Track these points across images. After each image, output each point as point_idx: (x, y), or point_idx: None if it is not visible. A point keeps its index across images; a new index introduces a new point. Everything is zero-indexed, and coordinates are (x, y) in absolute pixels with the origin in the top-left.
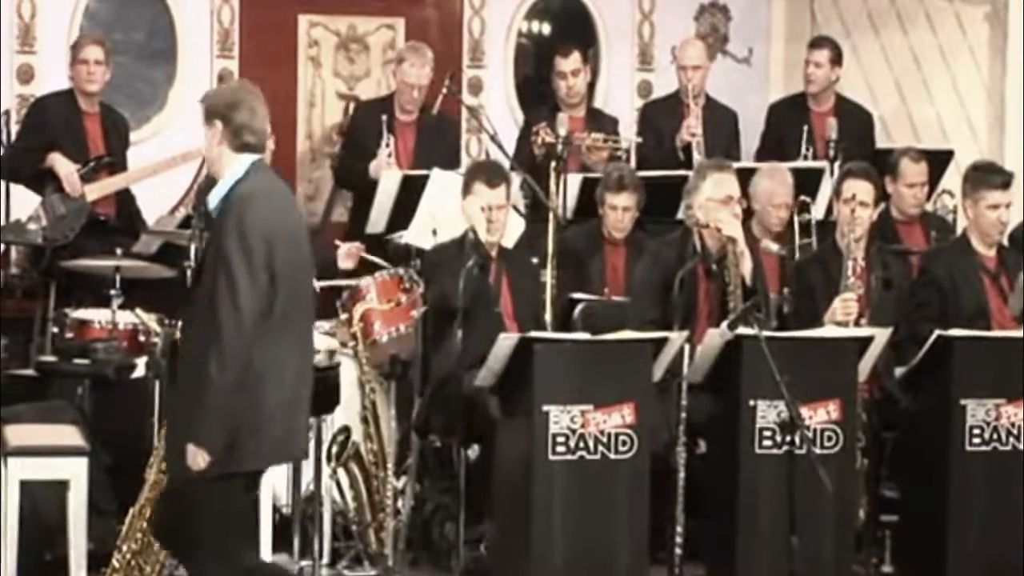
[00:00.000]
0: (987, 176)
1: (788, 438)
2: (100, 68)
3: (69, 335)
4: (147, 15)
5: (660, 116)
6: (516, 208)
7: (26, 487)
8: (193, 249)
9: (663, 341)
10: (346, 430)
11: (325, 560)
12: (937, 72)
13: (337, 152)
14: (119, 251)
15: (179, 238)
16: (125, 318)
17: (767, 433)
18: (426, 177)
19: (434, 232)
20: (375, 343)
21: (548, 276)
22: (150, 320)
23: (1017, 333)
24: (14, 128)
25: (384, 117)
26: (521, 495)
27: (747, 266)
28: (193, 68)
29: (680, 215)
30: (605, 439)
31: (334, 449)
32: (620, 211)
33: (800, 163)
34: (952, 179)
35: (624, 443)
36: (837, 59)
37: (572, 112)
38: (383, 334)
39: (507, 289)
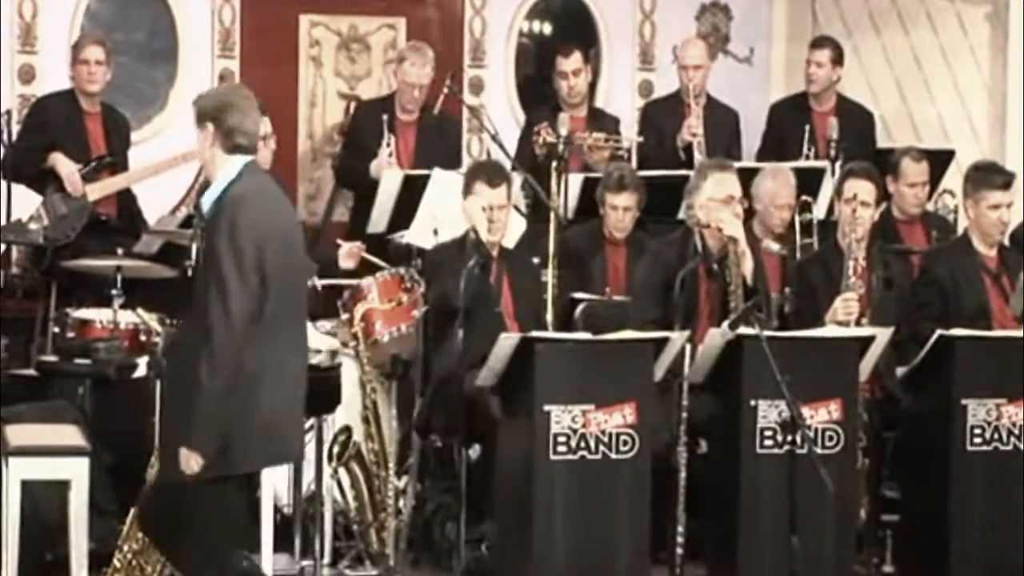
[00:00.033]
0: (988, 176)
1: (789, 438)
2: (101, 68)
3: (70, 335)
4: (148, 15)
5: (661, 116)
6: (517, 208)
7: (27, 487)
8: (194, 249)
9: (664, 341)
10: (347, 430)
11: (326, 560)
12: (938, 72)
13: (338, 152)
14: (120, 251)
15: (180, 238)
16: (126, 318)
17: (768, 433)
18: (427, 177)
19: (435, 232)
20: (376, 343)
21: (549, 276)
22: (151, 320)
23: (1018, 333)
24: (15, 128)
25: (385, 117)
26: (522, 495)
27: (748, 266)
28: (194, 68)
29: (681, 215)
30: (606, 439)
31: (335, 449)
32: (621, 211)
33: (801, 163)
34: (953, 179)
35: (625, 443)
36: (838, 59)
37: (573, 112)
38: (384, 334)
39: (508, 289)
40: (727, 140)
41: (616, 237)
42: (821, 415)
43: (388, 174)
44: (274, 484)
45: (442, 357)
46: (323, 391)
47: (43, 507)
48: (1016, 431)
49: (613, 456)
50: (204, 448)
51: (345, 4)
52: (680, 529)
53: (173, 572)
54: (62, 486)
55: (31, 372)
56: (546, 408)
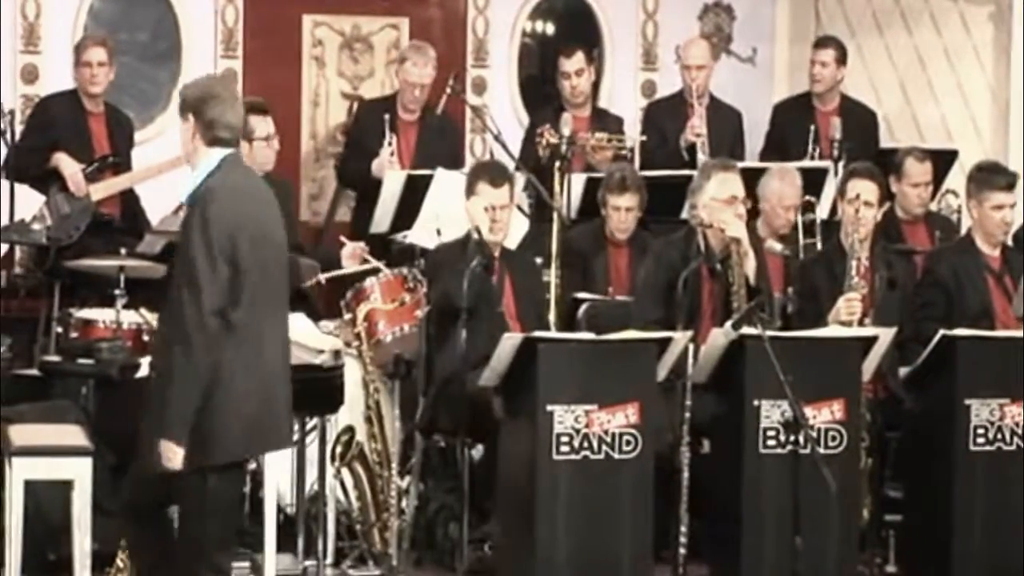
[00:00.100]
0: (991, 177)
1: (792, 438)
2: (103, 69)
3: (73, 335)
4: (151, 15)
5: (664, 116)
6: (520, 208)
7: (30, 487)
8: None
9: (667, 341)
10: (350, 430)
11: (329, 560)
12: (941, 72)
13: (340, 151)
14: (123, 251)
15: None
16: (129, 318)
17: (771, 433)
18: (430, 177)
19: (438, 232)
20: (379, 343)
21: (552, 276)
22: (154, 320)
23: (1021, 333)
24: (18, 128)
25: (387, 116)
26: (525, 495)
27: (751, 266)
28: (197, 68)
29: (684, 215)
30: (609, 439)
31: (338, 449)
32: (623, 212)
33: (805, 163)
34: (956, 179)
35: (628, 443)
36: (842, 59)
37: (577, 112)
38: (387, 334)
39: (510, 289)
40: (730, 140)
41: (619, 238)
42: (824, 415)
43: (391, 174)
44: (277, 484)
45: (445, 357)
46: (326, 391)
47: (46, 507)
48: (1019, 431)
49: (616, 456)
50: (179, 438)
51: (348, 4)
52: (683, 529)
53: None
54: (65, 486)
55: (34, 372)
56: (549, 408)
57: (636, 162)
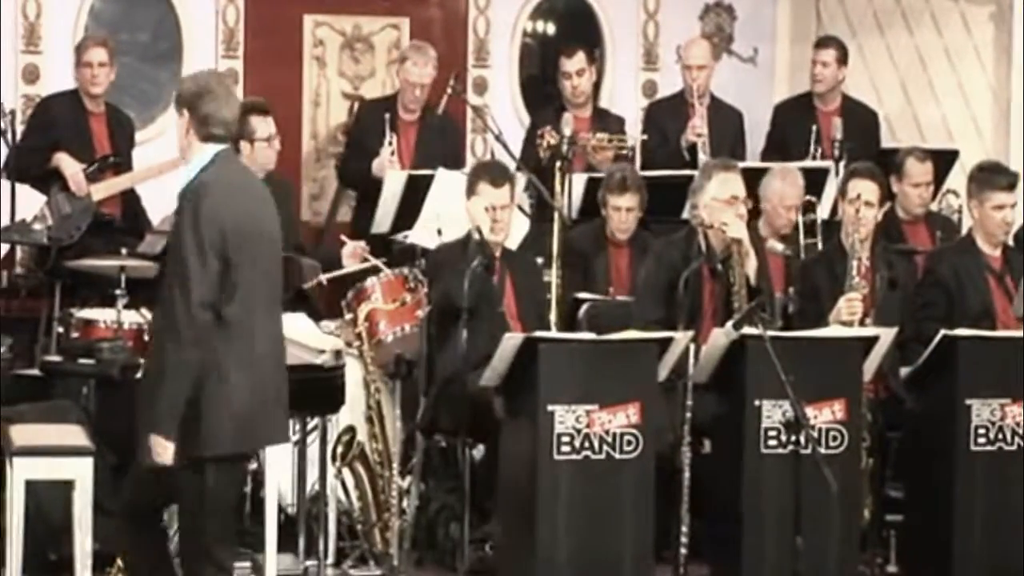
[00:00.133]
0: (992, 177)
1: (793, 438)
2: (104, 70)
3: (74, 335)
4: (152, 15)
5: (665, 116)
6: (521, 208)
7: (31, 487)
8: None
9: (668, 341)
10: (351, 430)
11: (330, 560)
12: (942, 72)
13: (341, 151)
14: (124, 251)
15: None
16: (130, 318)
17: (772, 433)
18: (431, 177)
19: (439, 232)
20: (380, 343)
21: (553, 276)
22: None
23: (1021, 333)
24: (19, 128)
25: (387, 116)
26: (526, 495)
27: (752, 266)
28: (198, 68)
29: (685, 215)
30: (610, 439)
31: (339, 449)
32: (623, 212)
33: (806, 163)
34: (957, 179)
35: (629, 443)
36: (843, 58)
37: (578, 112)
38: (388, 334)
39: (511, 289)
40: (731, 140)
41: (619, 238)
42: (825, 415)
43: (392, 174)
44: (278, 484)
45: (446, 357)
46: (327, 391)
47: (47, 507)
48: (1020, 431)
49: (617, 456)
50: (168, 432)
51: (349, 4)
52: (684, 529)
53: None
54: (66, 486)
55: (35, 372)
56: (550, 408)
57: (637, 162)
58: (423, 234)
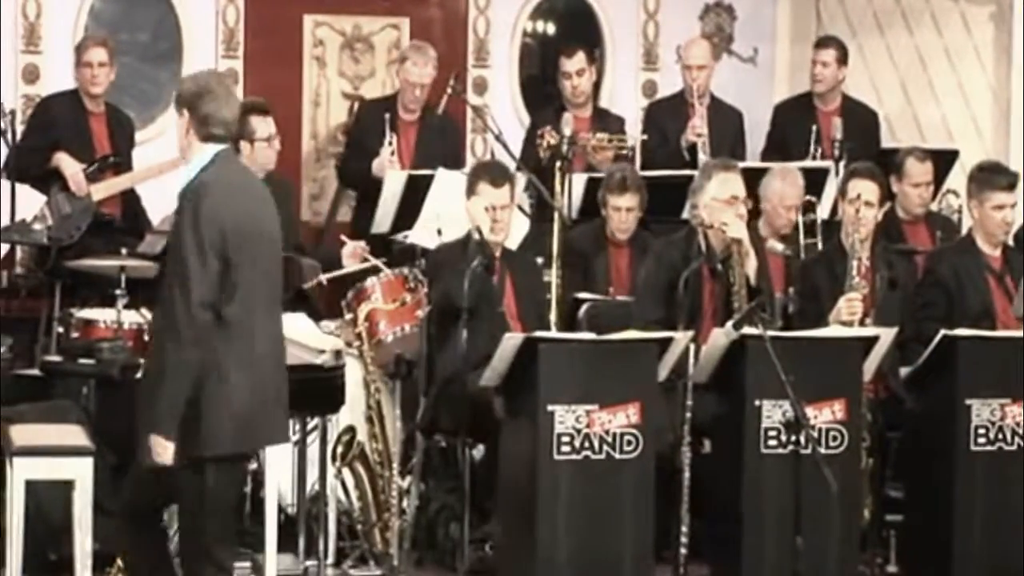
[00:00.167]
0: (992, 177)
1: (793, 438)
2: (104, 70)
3: (74, 335)
4: (152, 15)
5: (665, 116)
6: (521, 208)
7: (31, 487)
8: None
9: (668, 341)
10: (351, 430)
11: (330, 560)
12: (942, 72)
13: (341, 151)
14: (124, 251)
15: None
16: (130, 318)
17: (772, 433)
18: (431, 177)
19: (439, 232)
20: (380, 343)
21: (553, 276)
22: None
23: (1021, 333)
24: (19, 128)
25: (387, 116)
26: (526, 495)
27: (752, 266)
28: (198, 68)
29: (685, 215)
30: (610, 439)
31: (339, 449)
32: (623, 212)
33: (806, 163)
34: (957, 179)
35: (629, 443)
36: (843, 58)
37: (578, 112)
38: (388, 334)
39: (511, 289)
40: (731, 140)
41: (619, 238)
42: (825, 415)
43: (392, 174)
44: (278, 484)
45: (446, 357)
46: (327, 391)
47: (47, 507)
48: (1020, 431)
49: (617, 456)
50: (168, 432)
51: (349, 4)
52: (684, 529)
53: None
54: (66, 486)
55: (35, 372)
56: (550, 408)
57: (637, 162)
58: (423, 234)
